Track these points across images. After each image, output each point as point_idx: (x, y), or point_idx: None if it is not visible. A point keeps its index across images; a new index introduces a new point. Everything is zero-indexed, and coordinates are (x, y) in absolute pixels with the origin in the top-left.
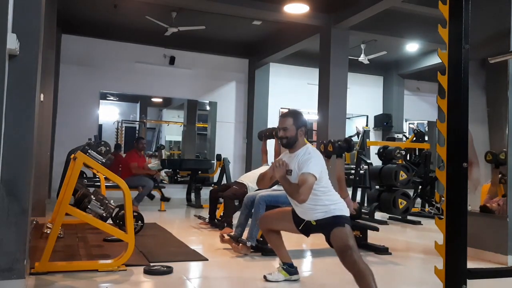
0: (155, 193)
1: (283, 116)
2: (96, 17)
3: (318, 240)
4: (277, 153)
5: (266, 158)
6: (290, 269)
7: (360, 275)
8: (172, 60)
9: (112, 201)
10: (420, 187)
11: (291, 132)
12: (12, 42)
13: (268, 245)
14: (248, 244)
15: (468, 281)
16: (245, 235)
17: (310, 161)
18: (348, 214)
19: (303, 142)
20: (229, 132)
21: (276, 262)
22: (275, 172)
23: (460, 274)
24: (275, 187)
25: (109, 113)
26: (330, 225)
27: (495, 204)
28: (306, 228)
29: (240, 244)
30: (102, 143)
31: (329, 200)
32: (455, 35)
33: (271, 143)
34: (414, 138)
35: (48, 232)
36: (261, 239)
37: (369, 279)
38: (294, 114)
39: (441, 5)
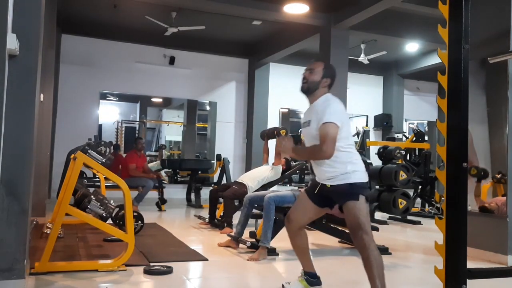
0: (155, 193)
1: (315, 61)
2: (96, 17)
3: (318, 240)
4: (277, 154)
5: (267, 158)
6: (312, 280)
7: (367, 262)
8: (172, 60)
9: (112, 201)
10: (420, 187)
11: (316, 76)
12: (12, 42)
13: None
14: (248, 244)
15: (468, 281)
16: (245, 235)
17: (329, 108)
18: (366, 180)
19: (323, 93)
20: (229, 132)
21: (277, 262)
22: (283, 151)
23: (460, 274)
24: (275, 187)
25: (109, 113)
26: (345, 196)
27: (494, 204)
28: (322, 193)
29: (256, 251)
30: (103, 143)
31: (348, 158)
32: (455, 35)
33: (272, 143)
34: (414, 138)
35: (48, 232)
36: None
37: (376, 271)
38: (326, 64)
39: (441, 5)
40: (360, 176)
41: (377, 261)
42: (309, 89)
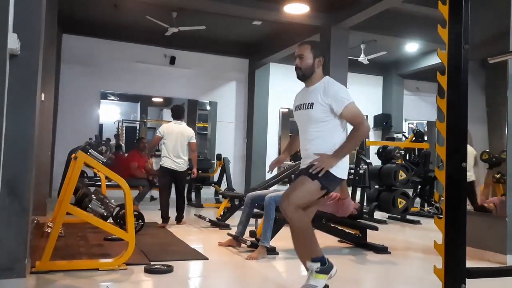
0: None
1: (300, 44)
2: (96, 17)
3: (318, 239)
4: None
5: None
6: (324, 268)
7: (291, 228)
8: (172, 60)
9: (112, 200)
10: (419, 186)
11: (308, 61)
12: (13, 42)
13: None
14: (248, 243)
15: (467, 281)
16: (245, 235)
17: (342, 90)
18: (343, 177)
19: (321, 74)
20: (229, 132)
21: (276, 261)
22: (328, 168)
23: (459, 273)
24: (275, 187)
25: (110, 113)
26: (309, 171)
27: (492, 204)
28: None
29: (256, 250)
30: (103, 142)
31: (339, 139)
32: (455, 35)
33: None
34: (414, 138)
35: (49, 231)
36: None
37: (298, 236)
38: (312, 42)
39: (441, 5)
40: (343, 169)
41: (300, 227)
42: (305, 76)
